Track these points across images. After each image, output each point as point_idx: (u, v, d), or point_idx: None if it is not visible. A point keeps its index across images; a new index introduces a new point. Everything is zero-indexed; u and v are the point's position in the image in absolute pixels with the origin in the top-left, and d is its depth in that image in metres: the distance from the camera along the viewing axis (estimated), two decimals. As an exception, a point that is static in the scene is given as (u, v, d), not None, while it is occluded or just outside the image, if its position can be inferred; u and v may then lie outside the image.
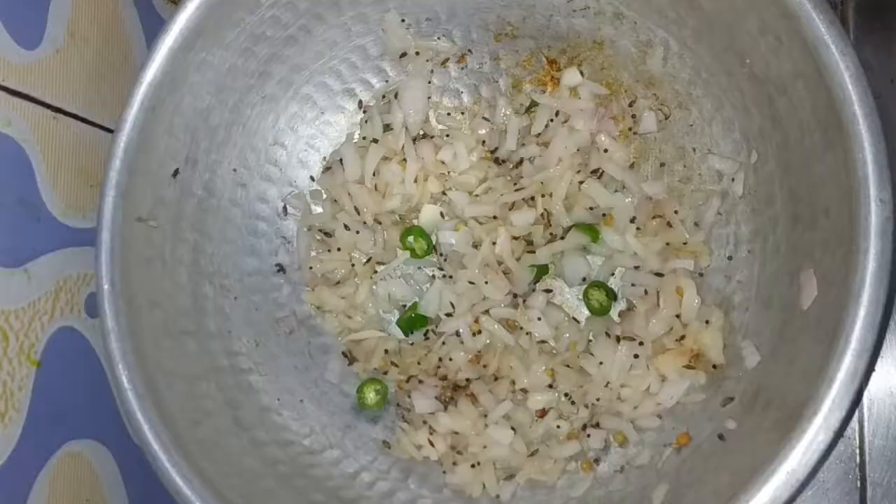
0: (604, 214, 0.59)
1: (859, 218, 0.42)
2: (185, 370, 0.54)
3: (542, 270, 0.61)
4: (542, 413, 0.58)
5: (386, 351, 0.62)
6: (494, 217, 0.60)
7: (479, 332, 0.60)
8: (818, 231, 0.47)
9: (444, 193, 0.62)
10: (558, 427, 0.58)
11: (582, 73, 0.60)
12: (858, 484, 0.55)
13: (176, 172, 0.56)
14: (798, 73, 0.46)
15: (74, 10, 0.56)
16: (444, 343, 0.60)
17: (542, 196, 0.59)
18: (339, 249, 0.62)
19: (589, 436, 0.57)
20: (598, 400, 0.57)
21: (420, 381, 0.60)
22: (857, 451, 0.55)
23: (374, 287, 0.63)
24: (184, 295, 0.56)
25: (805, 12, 0.44)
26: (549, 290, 0.61)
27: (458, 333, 0.60)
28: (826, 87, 0.44)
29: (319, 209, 0.64)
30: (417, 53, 0.62)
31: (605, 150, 0.58)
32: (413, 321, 0.62)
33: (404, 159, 0.61)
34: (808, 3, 0.44)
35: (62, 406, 0.54)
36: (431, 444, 0.58)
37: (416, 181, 0.61)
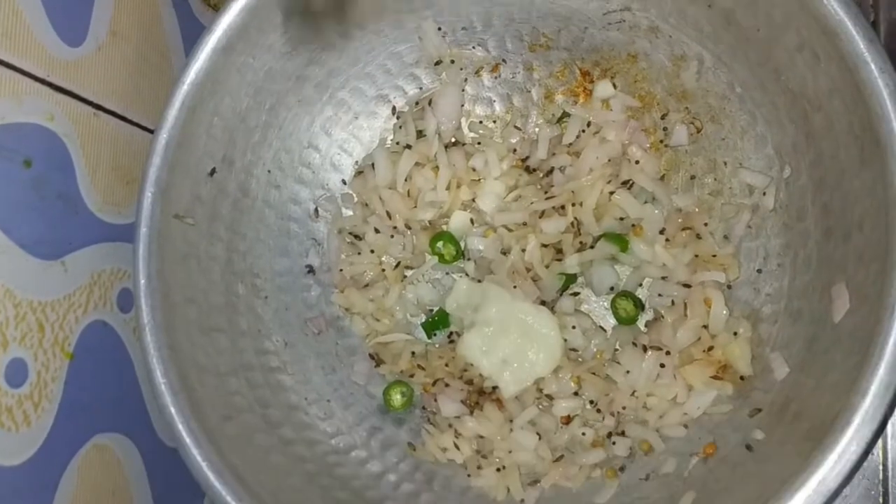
0: (633, 225, 0.59)
1: (895, 232, 0.43)
2: (216, 366, 0.55)
3: (569, 279, 0.61)
4: (567, 420, 0.59)
5: (413, 354, 0.62)
6: (524, 224, 0.61)
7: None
8: (851, 245, 0.47)
9: (473, 200, 0.62)
10: (583, 434, 0.58)
11: (615, 85, 0.60)
12: (881, 500, 0.55)
13: (213, 171, 0.56)
14: (835, 90, 0.47)
15: (116, 10, 0.57)
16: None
17: (573, 205, 0.59)
18: (371, 252, 0.63)
19: (614, 443, 0.57)
20: (623, 408, 0.57)
21: (446, 385, 0.60)
22: (881, 466, 0.55)
23: (403, 291, 0.63)
24: (217, 293, 0.57)
25: (845, 30, 0.44)
26: (575, 293, 0.61)
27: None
28: (864, 104, 0.44)
29: (350, 212, 0.65)
30: (452, 62, 0.63)
31: (636, 162, 0.59)
32: (435, 322, 0.63)
33: (436, 166, 0.62)
34: (849, 21, 0.44)
35: (92, 399, 0.54)
36: (457, 447, 0.59)
37: (447, 188, 0.62)
